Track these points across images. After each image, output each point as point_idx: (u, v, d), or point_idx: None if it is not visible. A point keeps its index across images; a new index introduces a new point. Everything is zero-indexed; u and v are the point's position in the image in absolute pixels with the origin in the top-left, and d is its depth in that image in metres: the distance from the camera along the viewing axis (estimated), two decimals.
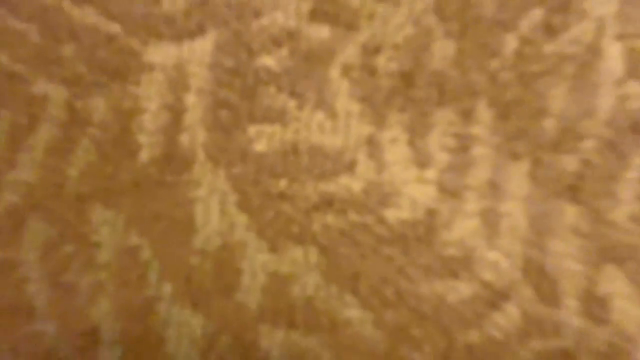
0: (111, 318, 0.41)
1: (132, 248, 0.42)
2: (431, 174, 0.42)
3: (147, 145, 0.42)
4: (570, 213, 0.41)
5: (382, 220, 0.42)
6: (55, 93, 0.42)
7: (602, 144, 0.42)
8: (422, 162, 0.42)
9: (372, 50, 0.42)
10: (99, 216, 0.42)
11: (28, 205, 0.42)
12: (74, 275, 0.41)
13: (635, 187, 0.42)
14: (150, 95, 0.42)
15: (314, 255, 0.41)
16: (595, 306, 0.41)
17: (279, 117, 0.42)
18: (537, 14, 0.42)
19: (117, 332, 0.41)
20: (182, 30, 0.43)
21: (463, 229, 0.41)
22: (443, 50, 0.42)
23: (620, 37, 0.42)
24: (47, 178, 0.42)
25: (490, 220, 0.41)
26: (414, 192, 0.42)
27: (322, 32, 0.42)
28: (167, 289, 0.41)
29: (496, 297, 0.41)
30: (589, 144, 0.42)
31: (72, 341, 0.41)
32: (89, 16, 0.43)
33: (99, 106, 0.42)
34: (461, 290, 0.41)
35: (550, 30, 0.42)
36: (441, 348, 0.41)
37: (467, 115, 0.42)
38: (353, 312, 0.41)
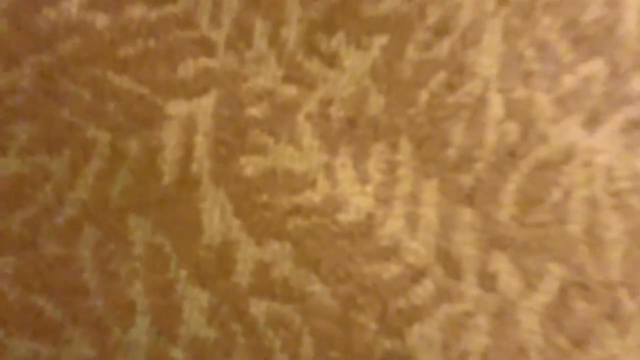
0: (143, 295, 0.57)
1: (157, 244, 0.58)
2: (369, 188, 0.59)
3: (168, 172, 0.59)
4: (467, 214, 0.58)
5: (335, 222, 0.59)
6: (102, 136, 0.59)
7: (489, 166, 0.59)
8: (363, 180, 0.59)
9: (326, 103, 0.60)
10: (134, 222, 0.58)
11: (83, 216, 0.58)
12: (116, 264, 0.58)
13: (513, 195, 0.59)
14: (170, 137, 0.60)
15: (287, 247, 0.58)
16: (486, 279, 0.58)
17: (262, 150, 0.59)
18: (441, 76, 0.60)
19: (147, 305, 0.57)
20: (192, 91, 0.60)
21: (392, 226, 0.58)
22: (376, 102, 0.60)
23: (500, 91, 0.60)
24: (96, 196, 0.59)
25: (411, 220, 0.58)
26: (358, 201, 0.59)
27: (291, 90, 0.60)
28: (183, 273, 0.58)
29: (417, 274, 0.58)
30: (479, 166, 0.59)
31: (115, 312, 0.57)
32: (125, 82, 0.60)
33: (133, 145, 0.59)
34: (392, 270, 0.58)
35: (451, 87, 0.60)
36: (378, 311, 0.57)
37: (394, 147, 0.59)
38: (316, 287, 0.58)
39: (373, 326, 0.57)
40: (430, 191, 0.59)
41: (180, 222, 0.58)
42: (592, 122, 0.60)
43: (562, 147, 0.59)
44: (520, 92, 0.60)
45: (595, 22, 0.61)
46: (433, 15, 0.61)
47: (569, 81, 0.60)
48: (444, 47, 0.60)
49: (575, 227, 0.58)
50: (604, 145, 0.59)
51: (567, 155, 0.59)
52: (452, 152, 0.59)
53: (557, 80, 0.60)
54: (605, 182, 0.59)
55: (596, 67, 0.60)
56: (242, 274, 0.58)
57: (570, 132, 0.59)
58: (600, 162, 0.59)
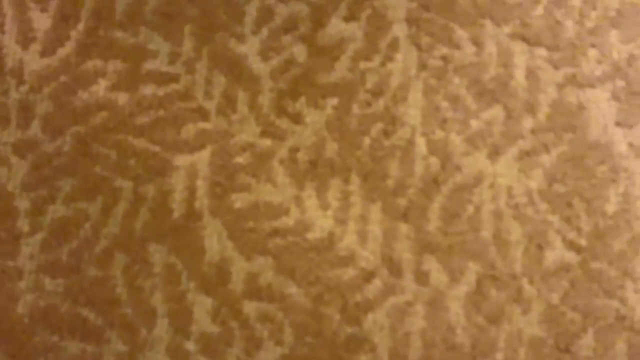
0: (162, 302, 0.76)
1: (171, 264, 0.77)
2: (330, 212, 0.78)
3: (177, 209, 0.78)
4: (404, 228, 0.77)
5: (305, 239, 0.77)
6: (127, 185, 0.79)
7: (418, 191, 0.78)
8: (324, 206, 0.78)
9: (294, 150, 0.80)
10: (153, 248, 0.77)
11: (114, 245, 0.77)
12: (141, 280, 0.76)
13: (438, 212, 0.78)
14: (177, 182, 0.79)
15: (270, 260, 0.77)
16: (421, 276, 0.76)
17: (247, 188, 0.78)
18: (379, 126, 0.80)
19: (165, 310, 0.76)
20: (193, 147, 0.80)
21: (348, 240, 0.77)
22: (331, 148, 0.79)
23: (424, 134, 0.80)
24: (124, 230, 0.78)
25: (363, 235, 0.77)
26: (321, 223, 0.78)
27: (267, 142, 0.80)
28: (192, 284, 0.76)
29: (368, 276, 0.76)
30: (411, 191, 0.78)
31: (142, 316, 0.75)
32: (142, 143, 0.80)
33: (150, 190, 0.79)
34: (349, 272, 0.77)
35: (386, 133, 0.80)
36: (341, 305, 0.76)
37: (346, 180, 0.79)
38: (292, 289, 0.76)
39: (337, 316, 0.75)
40: (375, 212, 0.78)
41: (188, 246, 0.77)
42: (494, 154, 0.79)
43: (472, 174, 0.79)
44: (439, 134, 0.80)
45: (493, 79, 0.81)
46: (371, 81, 0.81)
47: (475, 124, 0.80)
48: (380, 104, 0.80)
49: (486, 233, 0.77)
50: (504, 170, 0.79)
51: (477, 180, 0.78)
52: (390, 182, 0.79)
53: (466, 124, 0.80)
54: (507, 199, 0.78)
55: (495, 112, 0.80)
56: (236, 283, 0.76)
57: (478, 162, 0.79)
58: (502, 183, 0.78)
